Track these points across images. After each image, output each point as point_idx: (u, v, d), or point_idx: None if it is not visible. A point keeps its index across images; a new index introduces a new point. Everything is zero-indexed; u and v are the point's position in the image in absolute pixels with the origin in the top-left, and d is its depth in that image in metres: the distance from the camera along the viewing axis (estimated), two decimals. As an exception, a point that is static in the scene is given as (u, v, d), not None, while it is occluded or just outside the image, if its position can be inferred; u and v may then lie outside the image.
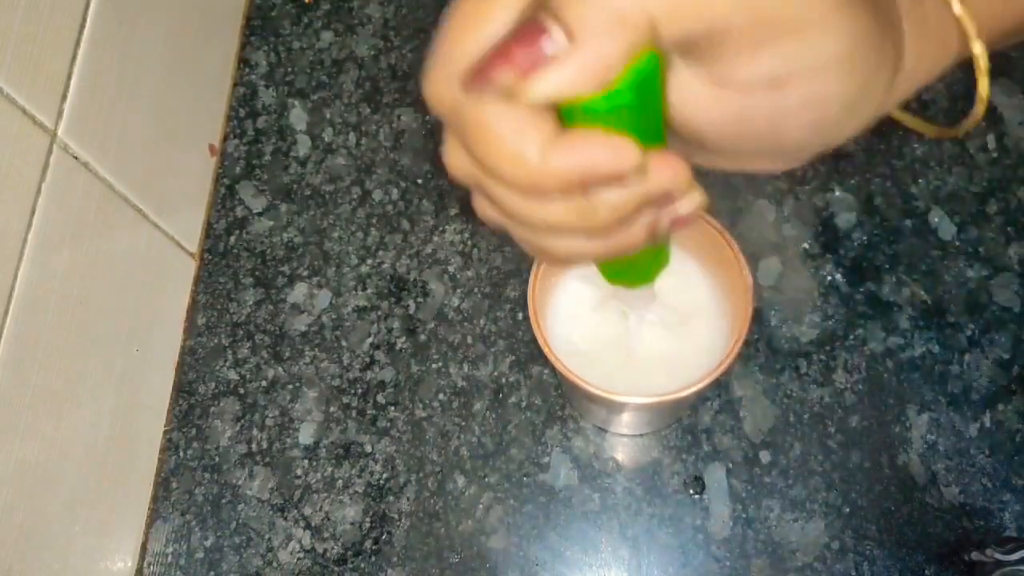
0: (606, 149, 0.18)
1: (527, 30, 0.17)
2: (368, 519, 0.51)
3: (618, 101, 0.18)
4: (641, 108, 0.19)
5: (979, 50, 0.24)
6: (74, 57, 0.44)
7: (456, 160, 0.20)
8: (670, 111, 0.20)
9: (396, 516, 0.51)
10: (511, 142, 0.18)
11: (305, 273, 0.57)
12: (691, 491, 0.50)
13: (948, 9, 0.23)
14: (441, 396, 0.53)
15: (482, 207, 0.22)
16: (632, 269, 0.29)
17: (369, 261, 0.57)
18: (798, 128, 0.20)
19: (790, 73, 0.19)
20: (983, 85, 0.26)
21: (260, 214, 0.59)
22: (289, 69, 0.62)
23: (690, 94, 0.20)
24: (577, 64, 0.17)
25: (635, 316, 0.40)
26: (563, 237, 0.21)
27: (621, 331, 0.42)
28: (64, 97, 0.44)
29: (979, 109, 0.27)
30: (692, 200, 0.22)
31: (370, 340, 0.55)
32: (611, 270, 0.30)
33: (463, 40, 0.19)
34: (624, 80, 0.18)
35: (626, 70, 0.18)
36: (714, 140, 0.21)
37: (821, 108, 0.20)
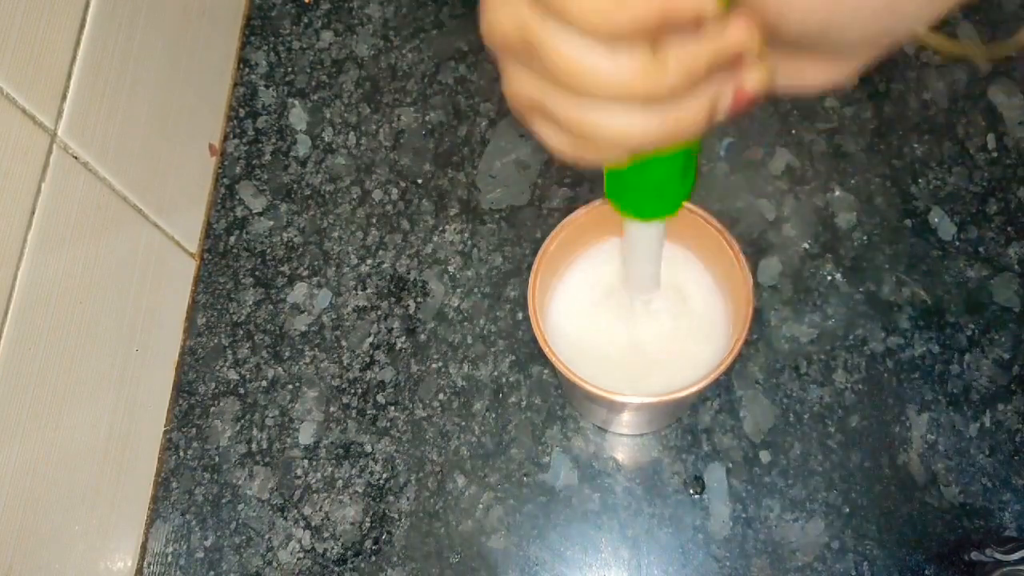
0: None
1: None
2: (368, 519, 0.51)
3: None
4: None
5: None
6: (74, 57, 0.44)
7: (505, 11, 0.19)
8: None
9: (396, 516, 0.51)
10: None
11: (305, 273, 0.57)
12: (691, 491, 0.50)
13: None
14: (441, 396, 0.53)
15: (519, 83, 0.20)
16: (656, 190, 0.27)
17: (369, 261, 0.57)
18: None
19: None
20: None
21: (260, 214, 0.59)
22: (289, 69, 0.62)
23: None
24: None
25: (641, 306, 0.40)
26: (617, 108, 0.19)
27: (622, 331, 0.42)
28: (64, 97, 0.44)
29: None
30: (759, 73, 0.20)
31: (370, 340, 0.55)
32: (633, 192, 0.28)
33: None
34: None
35: None
36: (803, 14, 0.19)
37: None
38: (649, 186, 0.27)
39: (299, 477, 0.52)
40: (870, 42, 0.20)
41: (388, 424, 0.53)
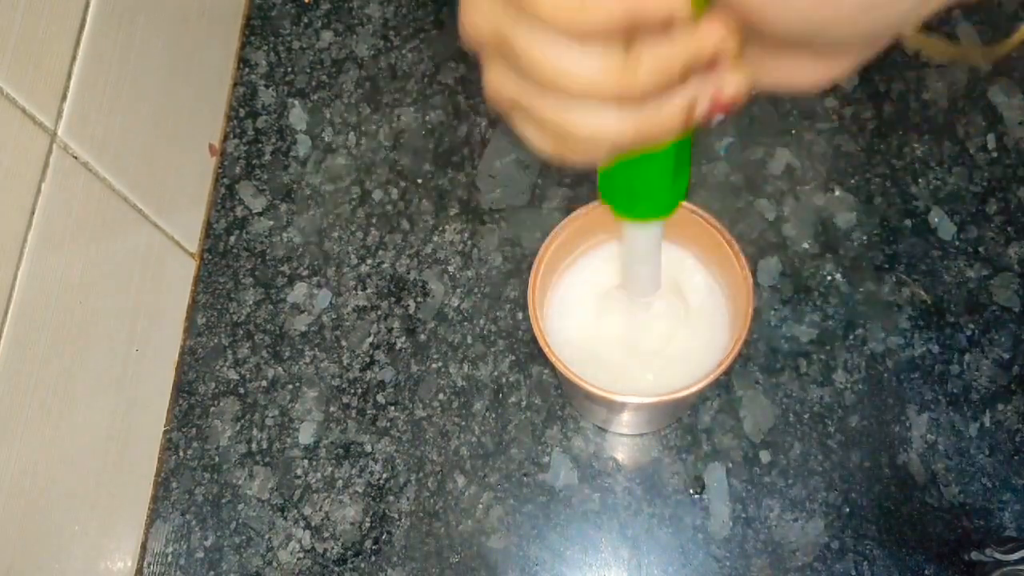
0: None
1: None
2: (368, 519, 0.51)
3: None
4: None
5: None
6: (74, 57, 0.44)
7: (481, 12, 0.19)
8: None
9: (396, 516, 0.51)
10: None
11: (305, 273, 0.57)
12: (691, 491, 0.50)
13: None
14: (441, 396, 0.53)
15: (498, 81, 0.20)
16: (647, 191, 0.27)
17: (369, 261, 0.57)
18: None
19: None
20: None
21: (260, 214, 0.59)
22: (289, 69, 0.62)
23: None
24: None
25: (641, 308, 0.40)
26: (592, 107, 0.19)
27: (622, 331, 0.42)
28: (64, 97, 0.44)
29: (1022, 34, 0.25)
30: (737, 79, 0.20)
31: (370, 340, 0.55)
32: (625, 193, 0.28)
33: None
34: None
35: None
36: (784, 11, 0.19)
37: None
38: (640, 187, 0.27)
39: (299, 477, 0.52)
40: (860, 39, 0.20)
41: (388, 424, 0.53)
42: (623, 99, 0.19)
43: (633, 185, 0.27)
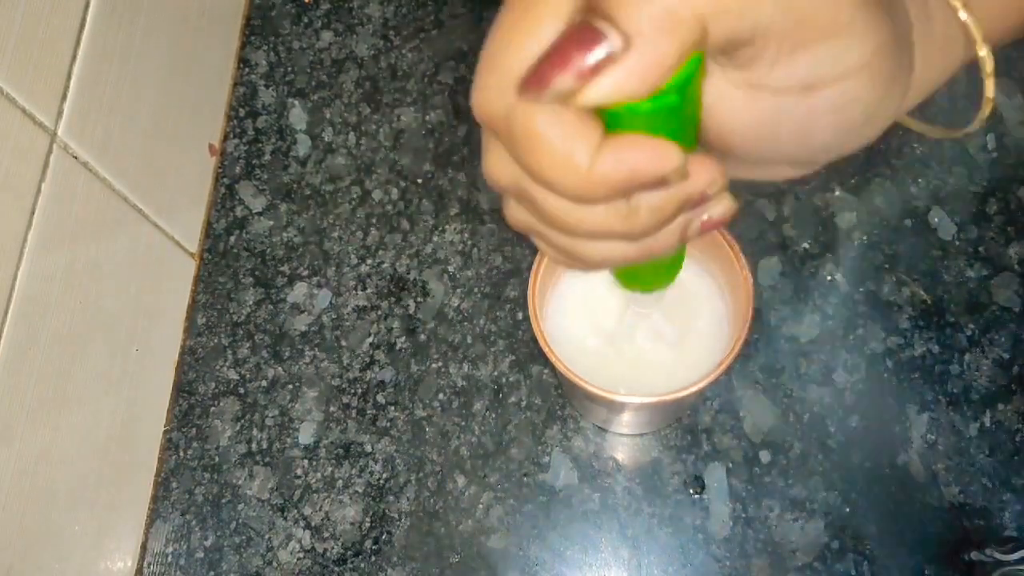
0: (651, 152, 0.19)
1: (581, 34, 0.17)
2: (368, 519, 0.51)
3: (664, 103, 0.18)
4: (683, 110, 0.19)
5: (985, 53, 0.25)
6: (74, 57, 0.44)
7: (499, 167, 0.21)
8: (703, 116, 0.21)
9: (396, 516, 0.51)
10: (562, 148, 0.18)
11: (305, 273, 0.57)
12: (691, 491, 0.50)
13: (954, 16, 0.24)
14: (441, 396, 0.53)
15: (515, 214, 0.23)
16: (651, 274, 0.30)
17: (369, 261, 0.57)
18: (824, 131, 0.21)
19: (821, 77, 0.19)
20: (989, 87, 0.26)
21: (260, 214, 0.59)
22: (289, 69, 0.62)
23: (724, 97, 0.20)
24: (635, 66, 0.17)
25: (640, 315, 0.40)
26: (601, 241, 0.22)
27: (622, 331, 0.42)
28: (64, 97, 0.44)
29: (985, 110, 0.28)
30: (724, 203, 0.22)
31: (370, 340, 0.55)
32: (630, 276, 0.30)
33: (514, 48, 0.18)
34: (670, 82, 0.18)
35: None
36: (742, 144, 0.21)
37: (847, 112, 0.20)
38: (642, 275, 0.30)
39: (299, 477, 0.52)
40: (814, 159, 0.23)
41: (388, 424, 0.53)
42: (626, 237, 0.21)
43: (634, 273, 0.30)
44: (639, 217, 0.20)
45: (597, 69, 0.17)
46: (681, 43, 0.17)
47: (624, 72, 0.17)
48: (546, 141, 0.18)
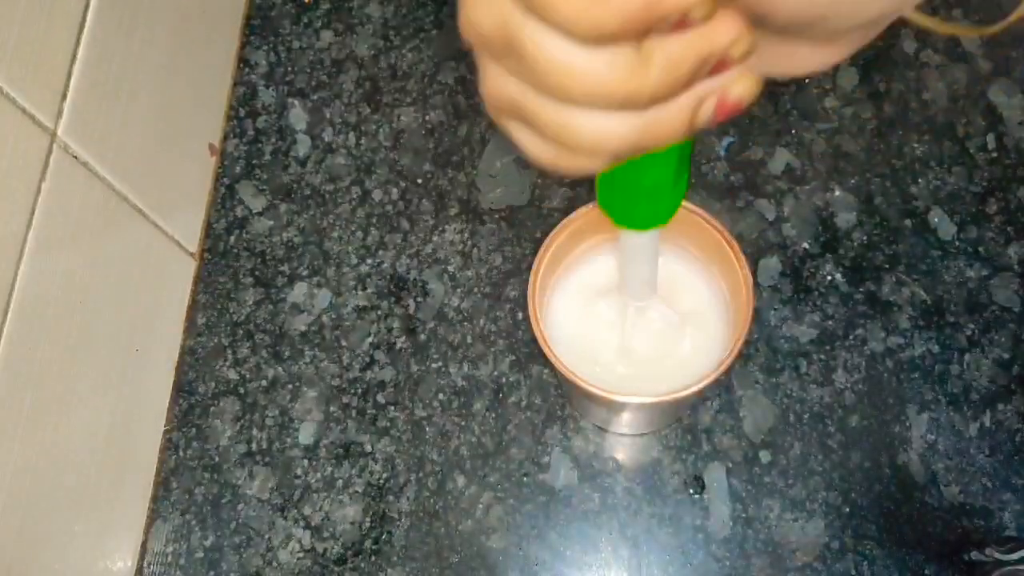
0: None
1: None
2: (368, 519, 0.51)
3: None
4: None
5: None
6: (74, 57, 0.44)
7: (487, 7, 0.18)
8: None
9: (396, 516, 0.51)
10: None
11: (305, 273, 0.57)
12: (691, 491, 0.50)
13: None
14: (441, 396, 0.53)
15: (498, 85, 0.20)
16: (646, 199, 0.27)
17: (369, 261, 0.57)
18: None
19: None
20: None
21: (260, 214, 0.59)
22: (289, 69, 0.62)
23: None
24: None
25: (636, 312, 0.40)
26: (596, 110, 0.19)
27: (622, 331, 0.42)
28: (64, 97, 0.44)
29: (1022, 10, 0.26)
30: (744, 82, 0.20)
31: (370, 340, 0.55)
32: (625, 202, 0.28)
33: None
34: None
35: None
36: (796, 3, 0.19)
37: None
38: (640, 196, 0.27)
39: (299, 477, 0.52)
40: (863, 24, 0.20)
41: (388, 424, 0.53)
42: (630, 101, 0.18)
43: (632, 193, 0.27)
44: (650, 71, 0.18)
45: None
46: None
47: None
48: None
